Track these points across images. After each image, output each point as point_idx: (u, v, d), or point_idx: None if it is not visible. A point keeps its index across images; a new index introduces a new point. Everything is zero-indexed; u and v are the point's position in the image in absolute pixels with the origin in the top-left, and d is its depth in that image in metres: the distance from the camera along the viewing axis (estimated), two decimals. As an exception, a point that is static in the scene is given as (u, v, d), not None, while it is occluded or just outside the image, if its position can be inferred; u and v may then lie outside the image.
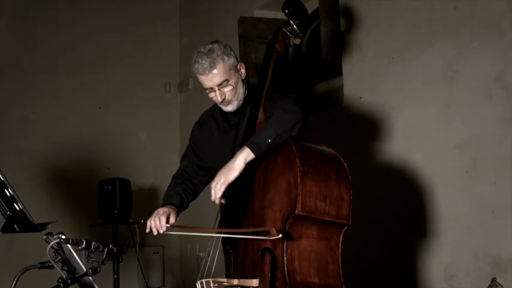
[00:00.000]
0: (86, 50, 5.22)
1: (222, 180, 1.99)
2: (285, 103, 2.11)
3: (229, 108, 2.30)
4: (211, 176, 2.47)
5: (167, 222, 2.19)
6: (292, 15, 2.27)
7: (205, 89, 2.27)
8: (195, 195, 2.51)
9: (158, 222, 2.17)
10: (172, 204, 2.33)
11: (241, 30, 3.97)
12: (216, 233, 2.14)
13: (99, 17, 5.35)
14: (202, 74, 2.21)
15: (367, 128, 3.38)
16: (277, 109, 2.09)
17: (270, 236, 1.84)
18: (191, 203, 2.50)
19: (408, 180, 3.10)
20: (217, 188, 2.00)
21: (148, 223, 2.20)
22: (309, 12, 4.12)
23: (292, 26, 2.28)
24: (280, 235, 1.85)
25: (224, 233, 2.08)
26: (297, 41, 2.40)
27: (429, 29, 3.04)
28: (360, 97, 3.43)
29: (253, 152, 1.98)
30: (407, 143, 3.14)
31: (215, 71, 2.19)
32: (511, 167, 2.61)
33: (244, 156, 1.98)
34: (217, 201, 2.03)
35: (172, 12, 5.78)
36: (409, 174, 3.10)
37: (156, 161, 5.36)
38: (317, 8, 3.71)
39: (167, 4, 5.76)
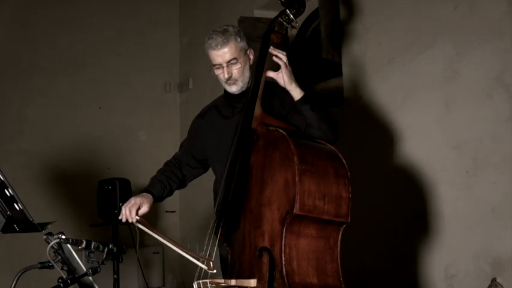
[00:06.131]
0: (86, 50, 5.23)
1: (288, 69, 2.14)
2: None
3: (234, 88, 2.34)
4: (202, 170, 2.61)
5: (137, 213, 2.26)
6: (289, 3, 2.26)
7: (214, 65, 2.33)
8: (181, 185, 2.58)
9: (129, 213, 2.25)
10: (150, 192, 2.40)
11: (241, 30, 3.96)
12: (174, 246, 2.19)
13: (99, 17, 5.35)
14: (214, 49, 2.28)
15: (367, 128, 3.38)
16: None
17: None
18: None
19: (408, 180, 3.10)
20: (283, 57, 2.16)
21: (122, 210, 2.28)
22: (309, 12, 4.16)
23: (288, 16, 2.28)
24: (215, 270, 2.02)
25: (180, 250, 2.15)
26: (294, 32, 2.41)
27: (429, 29, 3.03)
28: (360, 97, 3.43)
29: (304, 96, 2.13)
30: (408, 143, 3.14)
31: (227, 48, 2.27)
32: (511, 167, 2.61)
33: (299, 89, 2.15)
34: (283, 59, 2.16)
35: (172, 12, 5.79)
36: (409, 174, 3.09)
37: (156, 161, 5.31)
38: (317, 8, 3.71)
39: (167, 4, 5.76)
